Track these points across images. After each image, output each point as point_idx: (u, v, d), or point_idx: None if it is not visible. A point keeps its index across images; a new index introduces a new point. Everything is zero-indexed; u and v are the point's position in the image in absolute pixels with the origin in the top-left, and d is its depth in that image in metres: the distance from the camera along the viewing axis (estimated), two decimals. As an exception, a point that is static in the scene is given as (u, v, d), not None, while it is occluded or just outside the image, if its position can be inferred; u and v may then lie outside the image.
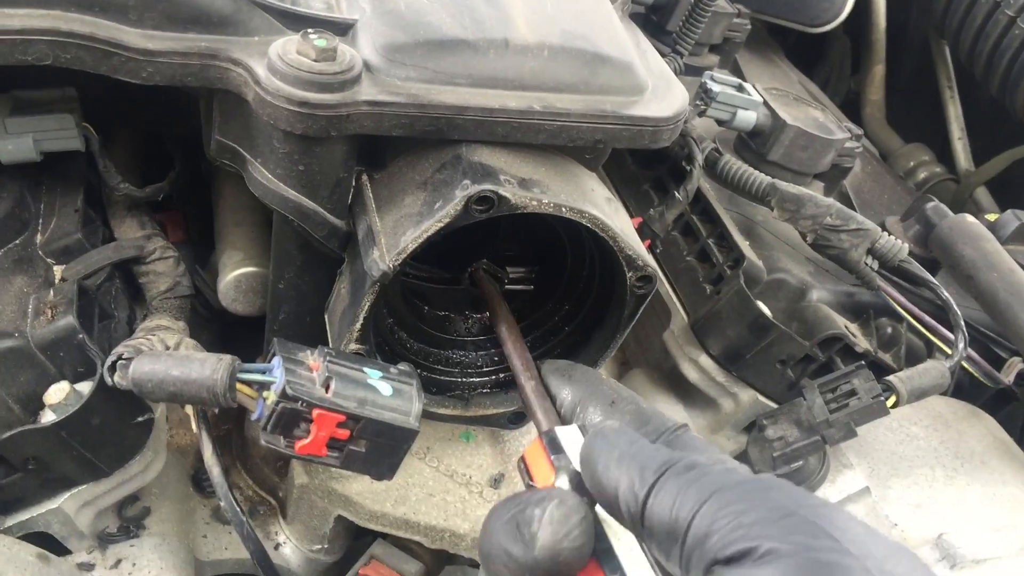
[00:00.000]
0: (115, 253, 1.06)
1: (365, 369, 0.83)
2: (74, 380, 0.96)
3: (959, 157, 2.06)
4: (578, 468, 0.67)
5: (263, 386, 0.81)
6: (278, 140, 0.86)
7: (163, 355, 0.86)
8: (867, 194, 1.61)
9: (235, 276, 1.12)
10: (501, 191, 0.83)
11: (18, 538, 0.97)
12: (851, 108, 2.11)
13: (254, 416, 0.81)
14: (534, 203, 0.85)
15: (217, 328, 1.24)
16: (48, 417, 0.93)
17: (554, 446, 0.72)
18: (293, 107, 0.81)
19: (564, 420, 0.81)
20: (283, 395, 0.78)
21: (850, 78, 2.26)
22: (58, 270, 1.03)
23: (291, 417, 0.79)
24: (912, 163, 2.05)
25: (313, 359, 0.82)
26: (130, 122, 1.18)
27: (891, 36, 2.13)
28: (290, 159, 0.87)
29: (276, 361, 0.81)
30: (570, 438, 0.73)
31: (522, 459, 0.75)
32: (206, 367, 0.82)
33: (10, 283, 0.99)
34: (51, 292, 0.98)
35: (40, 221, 1.06)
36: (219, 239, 1.18)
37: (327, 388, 0.79)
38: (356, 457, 0.82)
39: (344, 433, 0.80)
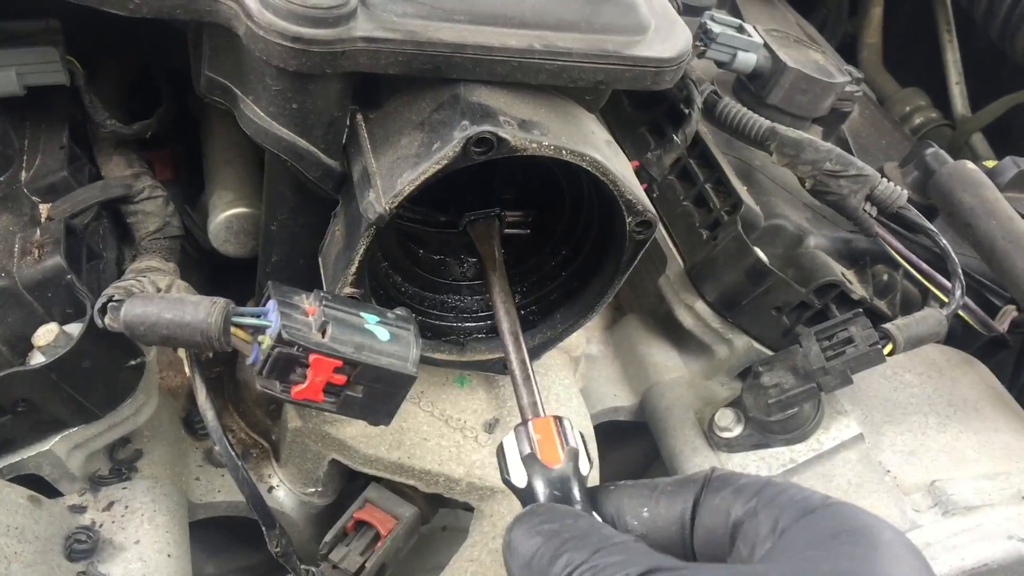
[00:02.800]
0: (102, 192, 1.03)
1: (362, 314, 0.82)
2: (63, 321, 0.94)
3: (956, 102, 2.03)
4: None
5: (258, 330, 0.79)
6: (271, 77, 0.83)
7: (155, 298, 0.84)
8: (865, 139, 1.58)
9: (226, 217, 1.10)
10: (501, 133, 0.81)
11: (9, 480, 0.96)
12: (847, 51, 2.08)
13: (249, 360, 0.80)
14: (534, 145, 0.83)
15: (207, 270, 1.22)
16: (37, 359, 0.92)
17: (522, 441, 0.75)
18: (286, 42, 0.78)
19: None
20: (279, 340, 0.76)
21: (847, 21, 2.22)
22: (44, 208, 1.00)
23: (287, 362, 0.77)
24: (908, 108, 2.02)
25: (309, 303, 0.80)
26: (116, 56, 1.15)
27: (890, -22, 2.10)
28: (283, 97, 0.84)
29: (271, 305, 0.79)
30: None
31: (500, 449, 0.77)
32: (200, 310, 0.80)
33: (-5, 221, 0.97)
34: (37, 231, 0.96)
35: (24, 158, 1.03)
36: (209, 178, 1.15)
37: (323, 333, 0.78)
38: (353, 403, 0.81)
39: (341, 379, 0.78)
